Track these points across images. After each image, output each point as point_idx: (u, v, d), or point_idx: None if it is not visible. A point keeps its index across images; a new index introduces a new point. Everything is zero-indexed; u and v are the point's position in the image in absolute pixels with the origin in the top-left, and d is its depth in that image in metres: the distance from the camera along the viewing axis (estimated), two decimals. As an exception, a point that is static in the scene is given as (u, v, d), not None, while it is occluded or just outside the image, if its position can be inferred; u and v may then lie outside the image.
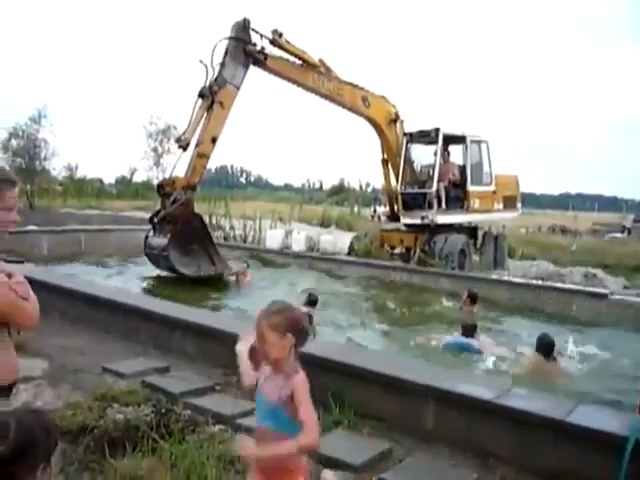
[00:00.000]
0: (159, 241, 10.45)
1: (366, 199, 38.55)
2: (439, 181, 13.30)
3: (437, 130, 13.37)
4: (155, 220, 10.78)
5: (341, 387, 4.34)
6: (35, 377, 4.87)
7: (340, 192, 53.10)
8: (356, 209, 28.26)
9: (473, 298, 9.04)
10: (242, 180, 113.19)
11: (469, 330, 7.30)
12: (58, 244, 13.74)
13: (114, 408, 4.35)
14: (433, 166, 13.53)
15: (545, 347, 6.32)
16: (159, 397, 4.57)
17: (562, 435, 3.45)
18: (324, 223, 22.50)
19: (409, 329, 8.61)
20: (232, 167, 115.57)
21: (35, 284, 7.49)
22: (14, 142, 33.68)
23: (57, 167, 38.13)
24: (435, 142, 13.50)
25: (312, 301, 8.68)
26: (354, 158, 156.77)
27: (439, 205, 13.20)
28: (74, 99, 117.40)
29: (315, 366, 4.75)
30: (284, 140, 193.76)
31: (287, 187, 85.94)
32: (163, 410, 4.21)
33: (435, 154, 13.51)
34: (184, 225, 10.43)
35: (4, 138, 33.23)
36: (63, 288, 7.43)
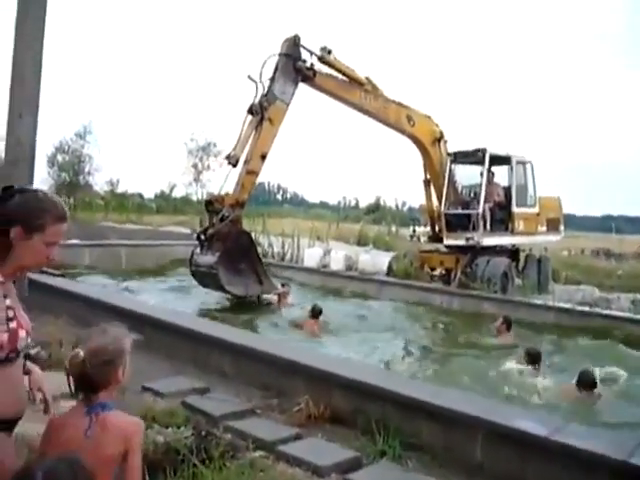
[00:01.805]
0: (207, 259, 10.30)
1: (402, 218, 38.34)
2: (485, 202, 13.06)
3: (483, 151, 13.17)
4: (203, 237, 10.66)
5: (385, 415, 4.18)
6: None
7: (376, 210, 52.98)
8: (393, 228, 28.02)
9: (508, 324, 8.88)
10: (278, 197, 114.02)
11: (534, 357, 7.09)
12: (99, 258, 13.93)
13: (154, 429, 4.27)
14: (479, 187, 13.30)
15: (586, 381, 6.22)
16: (199, 419, 4.48)
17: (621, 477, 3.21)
18: (361, 242, 22.33)
19: (453, 354, 8.36)
20: (269, 184, 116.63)
21: (75, 298, 7.55)
22: (60, 157, 34.70)
23: (99, 182, 39.17)
24: (480, 163, 13.29)
25: (316, 312, 9.13)
26: (390, 176, 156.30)
27: (484, 227, 12.94)
28: (117, 115, 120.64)
29: (357, 391, 4.67)
30: (320, 157, 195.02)
31: (322, 204, 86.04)
32: (203, 433, 4.12)
33: (481, 175, 13.29)
34: (233, 243, 10.31)
35: (51, 153, 34.26)
36: (103, 303, 7.47)
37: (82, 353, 2.06)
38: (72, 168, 34.46)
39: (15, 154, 4.74)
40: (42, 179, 34.33)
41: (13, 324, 1.96)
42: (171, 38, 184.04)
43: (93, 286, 9.90)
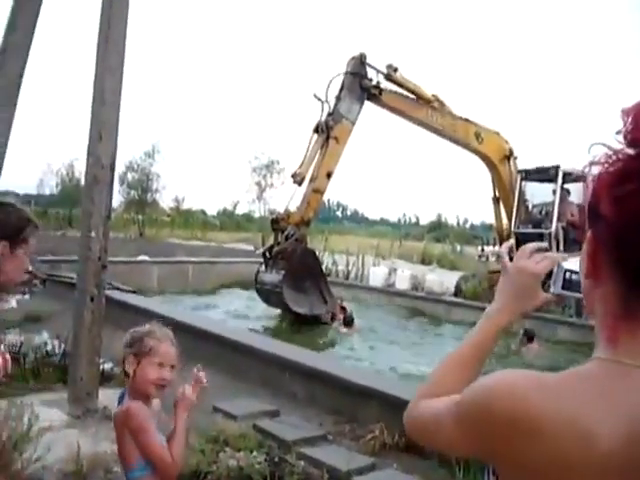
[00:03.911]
0: (272, 277, 10.33)
1: (465, 236, 37.52)
2: (558, 221, 12.51)
3: (557, 167, 12.63)
4: (268, 255, 10.70)
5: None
6: (148, 412, 4.83)
7: (438, 228, 52.21)
8: (458, 247, 27.43)
9: (530, 336, 9.01)
10: (338, 214, 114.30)
11: (530, 335, 6.86)
12: (167, 274, 14.20)
13: (227, 453, 4.19)
14: (552, 205, 12.77)
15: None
16: (271, 444, 4.38)
17: None
18: (425, 260, 21.92)
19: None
20: (329, 201, 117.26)
21: (147, 315, 7.63)
22: (130, 175, 36.00)
23: (165, 199, 40.39)
24: (553, 180, 12.77)
25: (349, 321, 9.69)
26: (451, 193, 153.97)
27: (557, 247, 12.38)
28: (183, 134, 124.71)
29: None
30: (380, 173, 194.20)
31: (383, 221, 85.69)
32: (276, 459, 4.03)
33: (554, 192, 12.76)
34: (298, 262, 10.27)
35: (121, 171, 35.61)
36: (174, 320, 7.53)
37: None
38: (140, 186, 35.69)
39: (95, 174, 4.82)
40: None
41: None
42: (237, 57, 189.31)
43: (163, 303, 10.06)
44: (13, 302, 9.96)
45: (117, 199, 36.59)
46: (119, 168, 35.42)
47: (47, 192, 32.82)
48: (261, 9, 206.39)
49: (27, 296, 10.44)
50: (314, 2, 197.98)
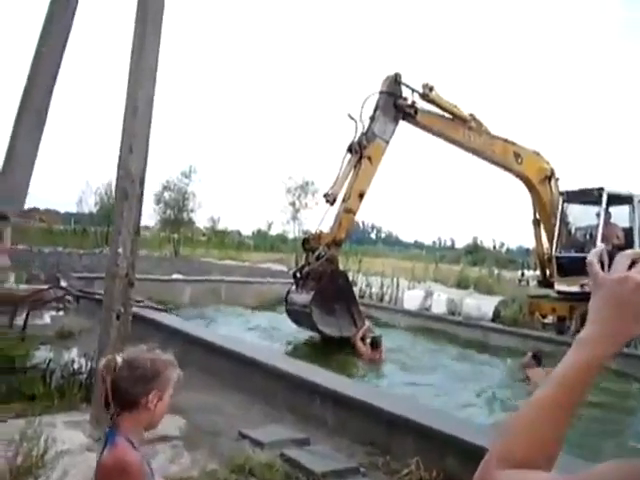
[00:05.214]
0: (302, 297, 10.18)
1: (501, 260, 36.72)
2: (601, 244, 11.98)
3: (600, 190, 12.16)
4: (298, 275, 10.58)
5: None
6: (172, 437, 4.64)
7: (475, 251, 51.31)
8: (495, 270, 26.78)
9: (538, 359, 8.57)
10: (372, 236, 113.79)
11: (539, 359, 6.41)
12: (200, 293, 14.17)
13: (252, 484, 3.97)
14: (595, 228, 12.27)
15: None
16: (298, 475, 4.13)
17: None
18: (461, 284, 21.39)
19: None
20: (363, 223, 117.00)
21: (176, 335, 7.46)
22: (166, 194, 36.52)
23: (201, 219, 40.82)
24: (597, 202, 12.28)
25: (376, 342, 9.64)
26: (487, 216, 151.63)
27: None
28: (218, 155, 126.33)
29: (479, 459, 4.07)
30: (414, 195, 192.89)
31: (417, 244, 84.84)
32: (304, 493, 3.77)
33: (598, 215, 12.27)
34: (328, 282, 10.10)
35: (158, 191, 36.15)
36: (203, 340, 7.37)
37: (119, 359, 1.81)
38: (177, 205, 36.13)
39: (125, 188, 4.71)
40: (149, 215, 36.25)
41: None
42: (274, 77, 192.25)
43: (193, 323, 9.93)
44: (47, 318, 10.00)
45: (154, 218, 37.12)
46: (156, 187, 36.08)
47: (86, 210, 33.42)
48: (296, 29, 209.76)
49: (61, 312, 10.48)
50: (349, 22, 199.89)
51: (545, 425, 0.81)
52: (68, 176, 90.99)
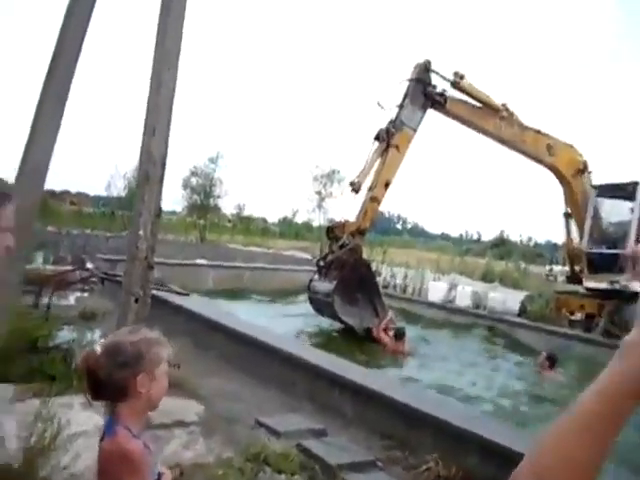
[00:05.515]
0: (324, 286, 10.13)
1: (529, 254, 36.06)
2: (636, 241, 11.61)
3: (635, 184, 11.77)
4: (322, 264, 10.50)
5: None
6: (189, 422, 4.60)
7: (501, 245, 50.54)
8: (522, 265, 26.35)
9: (552, 361, 8.53)
10: (398, 227, 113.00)
11: (552, 360, 6.27)
12: (223, 279, 14.19)
13: (266, 473, 3.91)
14: (629, 224, 11.89)
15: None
16: (314, 467, 4.06)
17: None
18: (486, 277, 21.07)
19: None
20: (389, 213, 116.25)
21: (197, 319, 7.42)
22: (193, 180, 36.63)
23: (227, 205, 40.87)
24: (631, 197, 11.89)
25: (400, 334, 9.56)
26: (514, 209, 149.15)
27: (634, 269, 11.46)
28: (245, 142, 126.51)
29: (499, 457, 3.96)
30: (441, 186, 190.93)
31: (444, 236, 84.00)
32: (319, 485, 3.70)
33: (631, 211, 11.89)
34: (350, 272, 10.02)
35: (186, 176, 36.25)
36: (223, 326, 7.34)
37: (99, 349, 1.70)
38: (204, 191, 36.17)
39: (146, 170, 4.64)
40: (176, 200, 36.41)
41: None
42: (301, 65, 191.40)
43: (214, 308, 9.91)
44: (72, 299, 10.10)
45: (181, 203, 37.27)
46: (184, 172, 36.19)
47: (115, 194, 33.69)
48: (327, 16, 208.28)
49: (86, 294, 10.59)
50: (381, 8, 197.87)
51: (582, 442, 0.68)
52: (98, 160, 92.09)
